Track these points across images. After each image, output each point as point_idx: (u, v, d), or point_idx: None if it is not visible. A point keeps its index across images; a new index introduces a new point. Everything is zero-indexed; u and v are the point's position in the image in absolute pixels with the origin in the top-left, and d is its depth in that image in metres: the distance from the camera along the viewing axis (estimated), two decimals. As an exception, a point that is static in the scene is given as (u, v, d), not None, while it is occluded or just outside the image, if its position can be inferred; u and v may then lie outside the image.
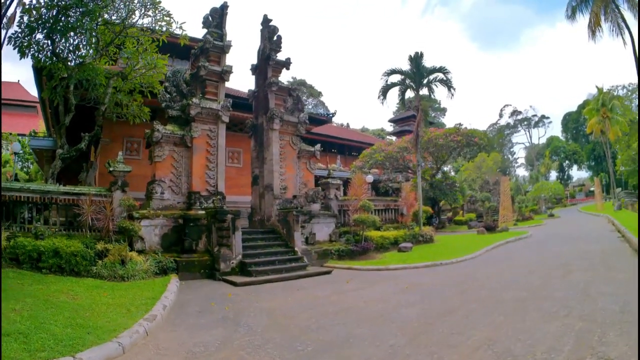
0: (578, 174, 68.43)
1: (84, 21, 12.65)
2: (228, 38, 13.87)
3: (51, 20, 12.59)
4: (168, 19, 13.02)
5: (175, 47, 14.77)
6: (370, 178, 24.38)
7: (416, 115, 21.35)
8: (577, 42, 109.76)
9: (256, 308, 7.36)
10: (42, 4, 12.50)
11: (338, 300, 7.94)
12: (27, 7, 12.38)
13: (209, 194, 12.72)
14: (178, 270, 10.62)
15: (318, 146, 15.56)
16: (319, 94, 70.47)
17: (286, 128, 14.66)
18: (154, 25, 13.16)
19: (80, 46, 13.41)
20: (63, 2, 12.44)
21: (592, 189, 52.75)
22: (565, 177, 62.18)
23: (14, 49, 13.04)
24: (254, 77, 15.70)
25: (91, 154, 18.46)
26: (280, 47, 15.11)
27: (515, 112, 71.82)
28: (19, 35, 12.67)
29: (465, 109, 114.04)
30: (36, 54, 12.97)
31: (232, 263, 11.15)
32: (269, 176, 14.00)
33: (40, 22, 12.51)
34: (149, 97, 14.65)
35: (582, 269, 9.74)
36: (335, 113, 22.87)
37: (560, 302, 6.64)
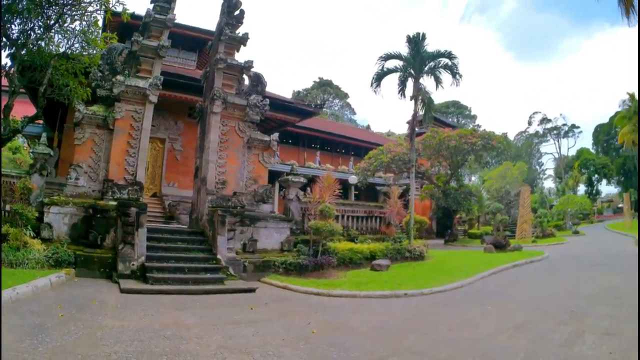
0: (607, 189, 60.42)
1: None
2: (174, 12, 11.18)
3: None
4: None
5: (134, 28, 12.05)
6: (353, 179, 20.21)
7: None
8: (615, 52, 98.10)
9: (89, 324, 5.21)
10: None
11: (173, 337, 4.99)
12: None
13: (126, 183, 10.02)
14: (76, 265, 8.46)
15: (275, 135, 12.24)
16: (346, 95, 66.00)
17: (232, 112, 11.48)
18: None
19: (35, 28, 11.58)
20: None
21: (620, 205, 45.73)
22: (594, 191, 54.78)
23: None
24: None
25: (54, 140, 16.39)
26: (241, 22, 12.05)
27: (544, 120, 64.38)
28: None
29: (496, 117, 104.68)
30: None
31: (133, 265, 8.45)
32: (205, 167, 10.95)
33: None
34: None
35: (599, 327, 5.77)
36: (323, 104, 19.15)
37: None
